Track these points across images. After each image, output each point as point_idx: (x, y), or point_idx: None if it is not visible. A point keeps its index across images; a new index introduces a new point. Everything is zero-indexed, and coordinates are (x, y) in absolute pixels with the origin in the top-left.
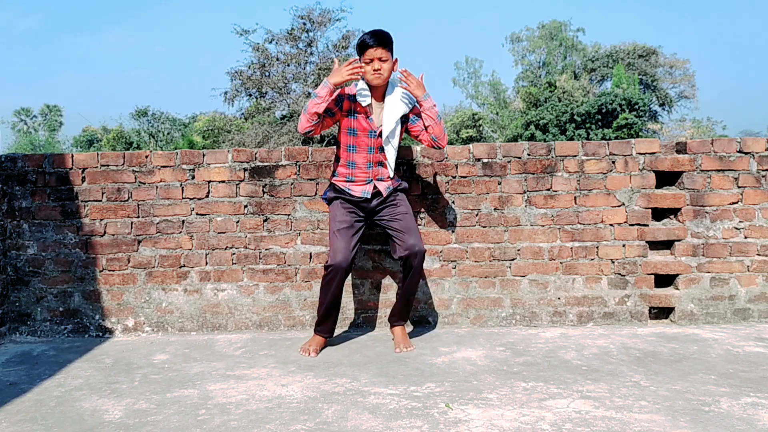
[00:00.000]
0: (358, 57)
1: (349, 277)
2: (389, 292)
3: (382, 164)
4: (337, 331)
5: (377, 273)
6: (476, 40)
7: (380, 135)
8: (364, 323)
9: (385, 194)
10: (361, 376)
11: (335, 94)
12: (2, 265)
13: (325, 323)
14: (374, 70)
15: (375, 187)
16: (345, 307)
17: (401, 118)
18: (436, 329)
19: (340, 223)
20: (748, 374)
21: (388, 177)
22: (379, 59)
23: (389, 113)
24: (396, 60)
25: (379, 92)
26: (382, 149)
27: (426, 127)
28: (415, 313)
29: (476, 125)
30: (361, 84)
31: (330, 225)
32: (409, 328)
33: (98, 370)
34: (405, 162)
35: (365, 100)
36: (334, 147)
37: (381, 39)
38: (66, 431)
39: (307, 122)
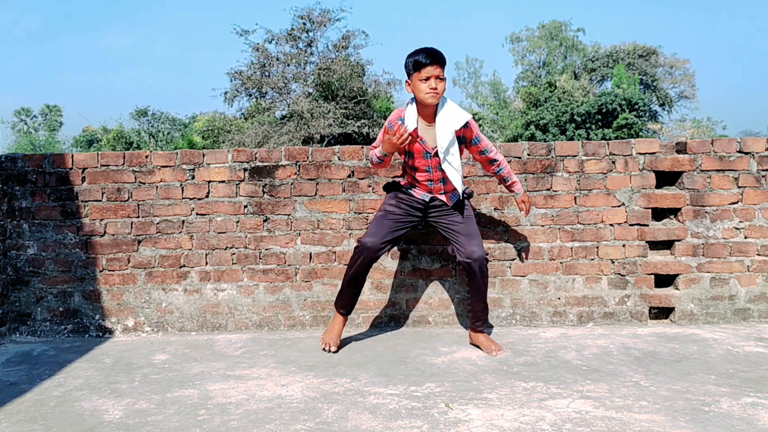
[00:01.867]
0: (408, 72)
1: None
2: (389, 292)
3: (443, 181)
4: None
5: (377, 273)
6: (476, 40)
7: (435, 154)
8: (364, 323)
9: (450, 204)
10: (361, 376)
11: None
12: (2, 265)
13: (342, 298)
14: (431, 89)
15: (436, 197)
16: None
17: (456, 134)
18: (436, 329)
19: (389, 212)
20: (748, 374)
21: (453, 190)
22: (436, 77)
23: (442, 131)
24: (445, 79)
25: (430, 112)
26: (440, 167)
27: (494, 164)
28: (415, 313)
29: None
30: (408, 112)
31: (380, 207)
32: (408, 328)
33: (98, 370)
34: None
35: (412, 125)
36: (335, 147)
37: (438, 57)
38: (66, 431)
39: (382, 166)
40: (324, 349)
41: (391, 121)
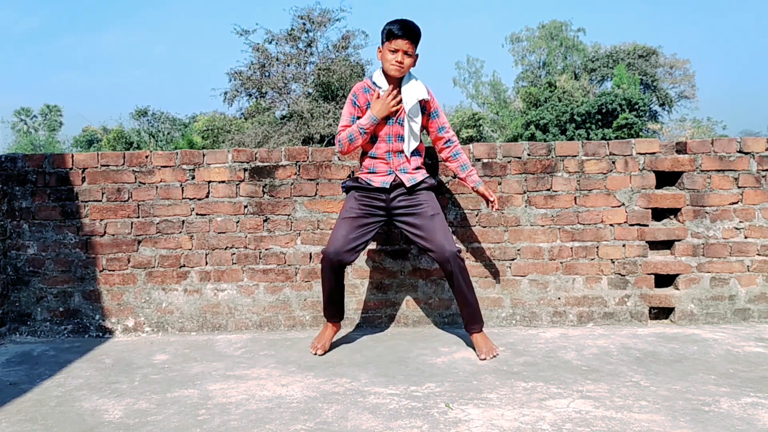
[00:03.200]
0: (381, 45)
1: (349, 276)
2: (389, 292)
3: (401, 155)
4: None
5: (377, 273)
6: (476, 40)
7: (398, 121)
8: (364, 323)
9: (408, 184)
10: (361, 376)
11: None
12: (2, 265)
13: (330, 309)
14: (396, 61)
15: (397, 177)
16: (345, 307)
17: (420, 105)
18: (436, 329)
19: (348, 212)
20: (748, 374)
21: (412, 169)
22: (405, 52)
23: (407, 96)
24: (417, 56)
25: (394, 83)
26: (401, 138)
27: (454, 158)
28: (415, 313)
29: (476, 125)
30: (376, 74)
31: (340, 213)
32: (408, 328)
33: (98, 370)
34: (428, 152)
35: (383, 85)
36: (335, 147)
37: (411, 32)
38: (66, 431)
39: (352, 150)
40: (313, 352)
41: (356, 91)
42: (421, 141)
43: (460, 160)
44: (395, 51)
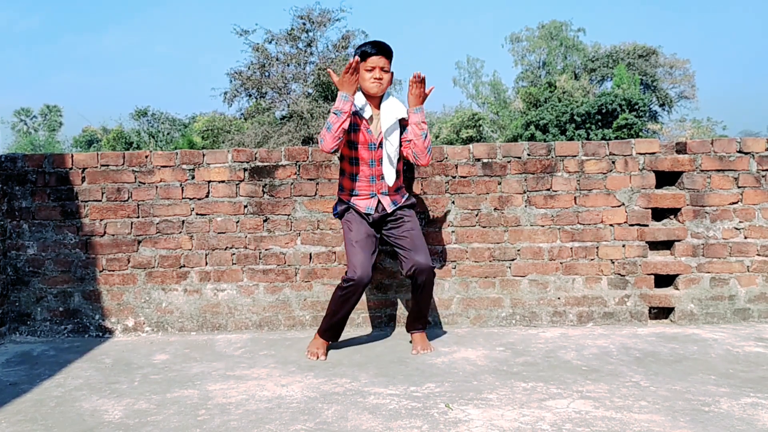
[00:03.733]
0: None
1: None
2: (389, 292)
3: (384, 178)
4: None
5: (377, 273)
6: (476, 40)
7: (379, 146)
8: (364, 323)
9: (389, 210)
10: (361, 376)
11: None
12: (2, 265)
13: (334, 330)
14: (375, 78)
15: (379, 201)
16: None
17: (400, 123)
18: (436, 329)
19: (357, 234)
20: (748, 374)
21: (394, 191)
22: (381, 68)
23: (386, 119)
24: (392, 73)
25: (375, 101)
26: (382, 162)
27: (409, 141)
28: None
29: (476, 125)
30: (359, 98)
31: (346, 238)
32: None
33: (98, 370)
34: (405, 162)
35: (367, 113)
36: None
37: (384, 49)
38: (66, 431)
39: (334, 141)
40: (313, 359)
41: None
42: (400, 160)
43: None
44: (372, 69)
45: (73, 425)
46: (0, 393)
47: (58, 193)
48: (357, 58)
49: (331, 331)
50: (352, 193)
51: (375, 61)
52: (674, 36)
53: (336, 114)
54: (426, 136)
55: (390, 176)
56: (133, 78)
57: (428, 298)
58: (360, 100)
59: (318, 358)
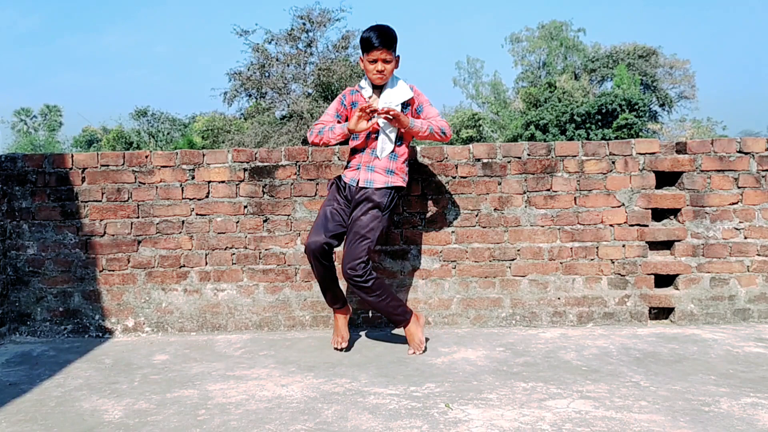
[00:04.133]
0: (361, 55)
1: None
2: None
3: (374, 152)
4: None
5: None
6: (476, 40)
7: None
8: (364, 323)
9: (362, 184)
10: (360, 376)
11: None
12: (2, 265)
13: (328, 297)
14: (378, 71)
15: (360, 174)
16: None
17: (404, 104)
18: (436, 329)
19: (325, 207)
20: (748, 374)
21: (383, 171)
22: (383, 60)
23: (385, 98)
24: (398, 57)
25: (379, 87)
26: (377, 135)
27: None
28: None
29: (476, 125)
30: (363, 81)
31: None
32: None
33: (98, 371)
34: (409, 163)
35: (367, 92)
36: (335, 148)
37: (386, 40)
38: (66, 431)
39: (319, 142)
40: (338, 348)
41: (345, 92)
42: (403, 143)
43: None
44: (374, 61)
45: (73, 425)
46: (0, 393)
47: (58, 193)
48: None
49: (327, 299)
50: (347, 165)
51: (376, 54)
52: (674, 36)
53: (332, 130)
54: (432, 129)
55: (382, 150)
56: (133, 78)
57: (373, 301)
58: (365, 82)
59: (340, 345)
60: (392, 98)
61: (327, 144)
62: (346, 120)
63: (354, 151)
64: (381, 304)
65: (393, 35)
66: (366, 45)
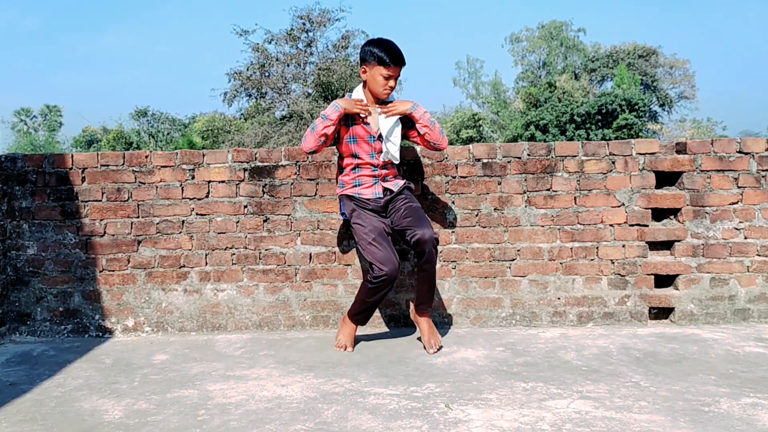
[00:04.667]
0: (369, 60)
1: (350, 276)
2: (389, 292)
3: (386, 167)
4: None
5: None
6: (476, 40)
7: (378, 138)
8: None
9: (395, 191)
10: (360, 376)
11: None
12: (2, 265)
13: (366, 314)
14: (390, 86)
15: (383, 187)
16: (345, 307)
17: (403, 119)
18: (436, 329)
19: (373, 231)
20: (748, 375)
21: (394, 176)
22: (396, 78)
23: (385, 118)
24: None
25: (376, 102)
26: (383, 153)
27: (423, 134)
28: None
29: (476, 125)
30: (357, 93)
31: (360, 236)
32: (408, 328)
33: (98, 371)
34: (406, 162)
35: (365, 100)
36: (334, 148)
37: (402, 60)
38: (66, 431)
39: (315, 143)
40: (343, 350)
41: (338, 101)
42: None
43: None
44: (388, 77)
45: (73, 425)
46: (0, 393)
47: (58, 193)
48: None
49: (362, 315)
50: (355, 184)
51: (393, 71)
52: (674, 36)
53: (323, 118)
54: (435, 123)
55: (395, 155)
56: (133, 78)
57: (434, 271)
58: (359, 92)
59: (346, 349)
60: (391, 119)
61: (324, 137)
62: (349, 122)
63: (356, 169)
64: (435, 278)
65: (404, 59)
66: (382, 60)
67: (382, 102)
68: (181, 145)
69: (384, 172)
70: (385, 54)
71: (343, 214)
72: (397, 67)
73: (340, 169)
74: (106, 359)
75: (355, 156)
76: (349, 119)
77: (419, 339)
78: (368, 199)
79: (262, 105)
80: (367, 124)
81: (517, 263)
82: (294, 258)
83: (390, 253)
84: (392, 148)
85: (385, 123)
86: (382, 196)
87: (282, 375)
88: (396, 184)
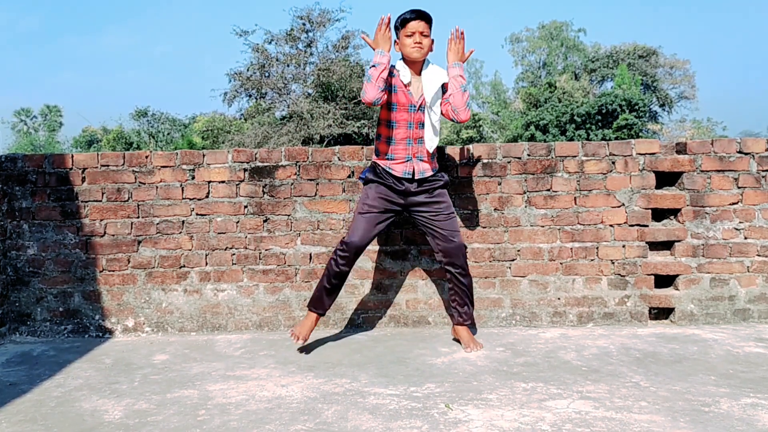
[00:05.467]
0: (396, 33)
1: (350, 277)
2: (389, 292)
3: (421, 141)
4: (337, 332)
5: (377, 273)
6: (476, 40)
7: (419, 109)
8: (364, 323)
9: (417, 177)
10: (361, 376)
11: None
12: (2, 266)
13: (323, 301)
14: (415, 43)
15: (414, 167)
16: (345, 307)
17: (442, 89)
18: (436, 329)
19: (370, 206)
20: (748, 375)
21: (429, 158)
22: (421, 33)
23: (429, 84)
24: (433, 40)
25: (416, 68)
26: (422, 125)
27: (448, 97)
28: (415, 313)
29: (476, 126)
30: (399, 63)
31: (358, 205)
32: (408, 328)
33: (98, 371)
34: None
35: (406, 77)
36: (335, 148)
37: (423, 14)
38: (66, 431)
39: (376, 90)
40: (294, 341)
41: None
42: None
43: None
44: (411, 34)
45: (73, 425)
46: (0, 393)
47: (58, 194)
48: (388, 15)
49: (319, 301)
50: (387, 156)
51: (414, 26)
52: (674, 36)
53: (375, 66)
54: (465, 90)
55: (430, 141)
56: (133, 78)
57: (470, 279)
58: (400, 65)
59: (298, 340)
60: (434, 80)
61: (383, 81)
62: (389, 88)
63: (390, 140)
64: (472, 288)
65: (428, 13)
66: (403, 21)
67: (421, 70)
68: (181, 145)
69: (419, 147)
70: (406, 13)
71: (362, 177)
72: (417, 20)
73: (378, 136)
74: (106, 359)
75: (391, 124)
76: (391, 86)
77: (419, 339)
78: (395, 177)
79: (262, 105)
80: (409, 92)
81: (517, 263)
82: (294, 258)
83: (367, 230)
84: (434, 118)
85: (428, 91)
86: (411, 176)
87: (282, 375)
88: (422, 172)
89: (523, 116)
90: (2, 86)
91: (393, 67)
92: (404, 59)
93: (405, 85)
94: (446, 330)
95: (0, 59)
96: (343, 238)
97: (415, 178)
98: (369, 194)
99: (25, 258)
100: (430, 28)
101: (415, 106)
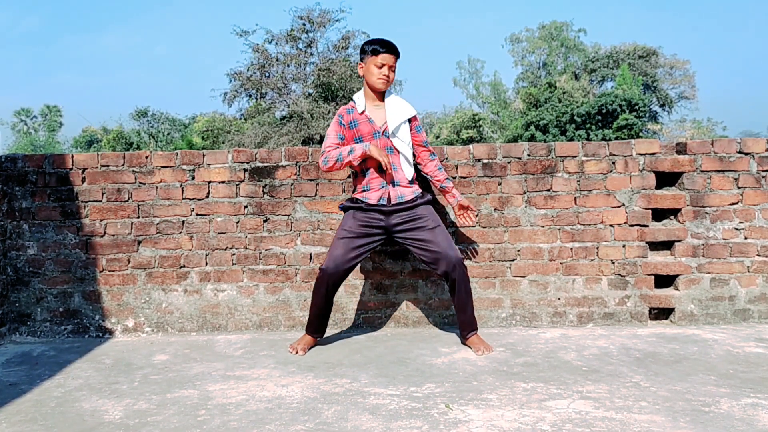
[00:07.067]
0: (363, 56)
1: (350, 277)
2: (389, 292)
3: (395, 167)
4: (337, 332)
5: (377, 274)
6: (476, 40)
7: (383, 134)
8: (364, 323)
9: (394, 201)
10: (361, 376)
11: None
12: (2, 266)
13: (314, 324)
14: (384, 75)
15: (389, 193)
16: (345, 307)
17: (408, 122)
18: (436, 329)
19: (347, 232)
20: (748, 375)
21: (406, 183)
22: (389, 66)
23: (393, 112)
24: (395, 71)
25: (378, 95)
26: (390, 150)
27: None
28: (415, 314)
29: (476, 126)
30: (357, 97)
31: (338, 230)
32: (409, 328)
33: (98, 371)
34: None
35: (361, 105)
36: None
37: (395, 49)
38: (66, 431)
39: (337, 167)
40: (293, 353)
41: (341, 112)
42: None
43: (442, 174)
44: (381, 66)
45: (73, 425)
46: (0, 393)
47: (59, 194)
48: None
49: (312, 325)
50: (364, 189)
51: (386, 58)
52: (674, 36)
53: (350, 153)
54: (444, 177)
55: (407, 171)
56: (133, 78)
57: (469, 294)
58: (359, 97)
59: (297, 352)
60: (399, 114)
61: (338, 169)
62: (341, 139)
63: (365, 172)
64: (471, 300)
65: (398, 49)
66: (374, 50)
67: (383, 98)
68: (181, 145)
69: (394, 174)
70: (377, 44)
71: (341, 206)
72: (389, 54)
73: (354, 174)
74: (106, 359)
75: (363, 159)
76: (352, 123)
77: (419, 339)
78: (371, 204)
79: (262, 105)
80: (371, 120)
81: (517, 263)
82: (294, 258)
83: (342, 256)
84: (403, 148)
85: (392, 118)
86: (386, 202)
87: (282, 375)
88: (400, 197)
89: (523, 116)
90: (2, 86)
91: (353, 101)
92: (368, 87)
93: (362, 113)
94: (446, 330)
95: (0, 59)
96: (321, 264)
97: (392, 203)
98: (347, 220)
99: (25, 258)
100: (396, 62)
101: (378, 132)
